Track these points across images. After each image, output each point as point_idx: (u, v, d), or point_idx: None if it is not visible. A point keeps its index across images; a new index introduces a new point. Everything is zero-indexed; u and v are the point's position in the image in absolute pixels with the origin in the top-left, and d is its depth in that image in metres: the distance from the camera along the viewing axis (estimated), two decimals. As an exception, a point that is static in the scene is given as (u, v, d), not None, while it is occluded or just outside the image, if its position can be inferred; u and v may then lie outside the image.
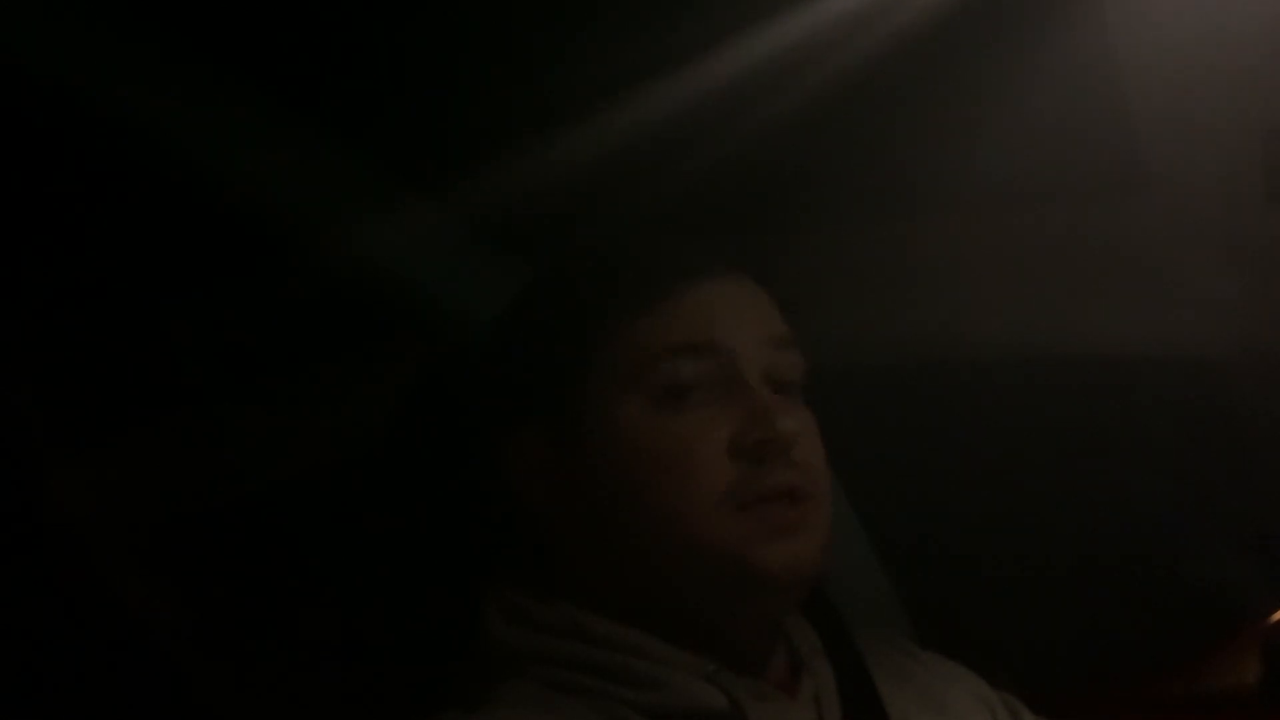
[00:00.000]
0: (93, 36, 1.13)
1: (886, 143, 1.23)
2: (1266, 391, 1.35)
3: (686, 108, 1.13)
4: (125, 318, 1.24)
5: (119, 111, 1.16)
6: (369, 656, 1.19)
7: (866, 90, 1.14)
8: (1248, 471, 1.40)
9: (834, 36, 1.10)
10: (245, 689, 1.23)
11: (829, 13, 1.11)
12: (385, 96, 1.17)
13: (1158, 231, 1.29)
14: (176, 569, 1.25)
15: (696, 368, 0.99)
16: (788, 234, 1.33)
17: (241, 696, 1.23)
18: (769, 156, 1.22)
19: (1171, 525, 1.45)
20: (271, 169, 1.21)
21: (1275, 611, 1.40)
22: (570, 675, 0.96)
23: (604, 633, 0.97)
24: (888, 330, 1.42)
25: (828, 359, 1.45)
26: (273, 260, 1.24)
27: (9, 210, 1.13)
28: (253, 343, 1.30)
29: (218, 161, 1.19)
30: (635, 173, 1.19)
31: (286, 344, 1.31)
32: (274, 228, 1.24)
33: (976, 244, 1.34)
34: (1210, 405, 1.39)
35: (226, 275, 1.22)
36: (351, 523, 1.27)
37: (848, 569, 1.50)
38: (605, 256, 1.06)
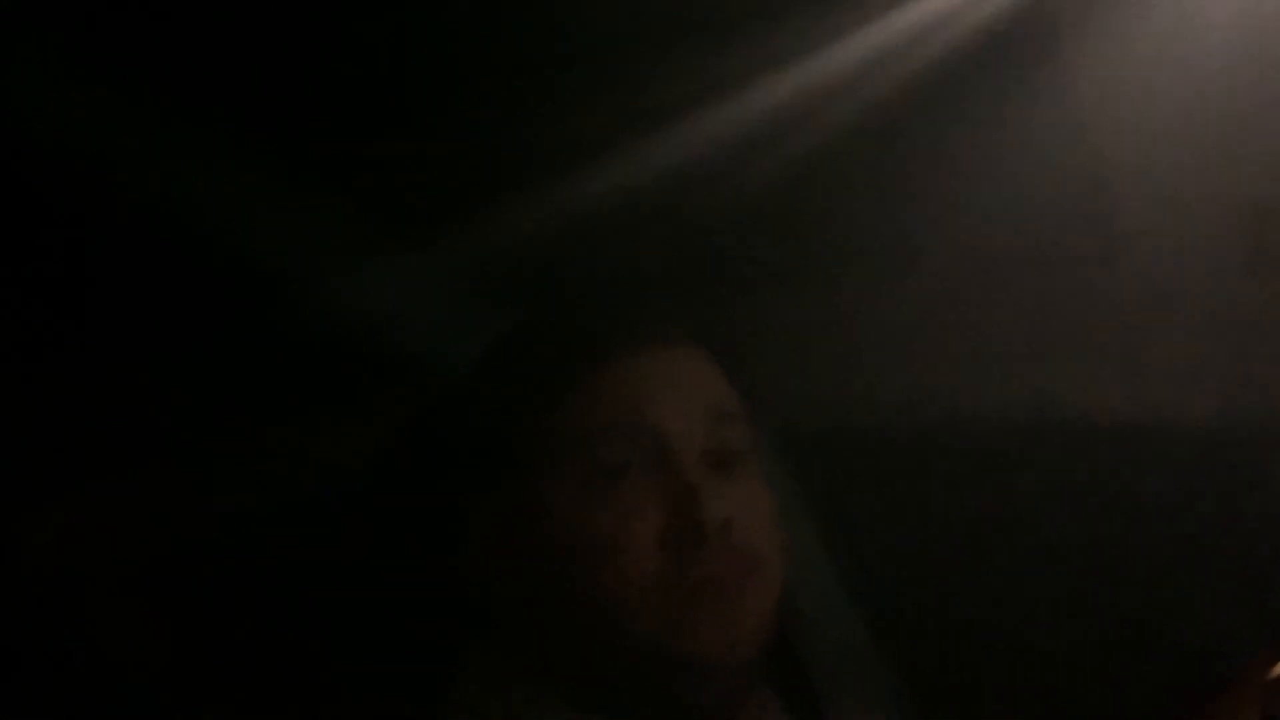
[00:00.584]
0: (79, 89, 1.13)
1: (861, 209, 1.23)
2: (1248, 458, 1.34)
3: (666, 169, 1.12)
4: (113, 365, 1.23)
5: (109, 165, 1.16)
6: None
7: (839, 157, 1.14)
8: (1233, 533, 1.39)
9: (807, 105, 1.10)
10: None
11: (801, 82, 1.11)
12: (371, 149, 1.17)
13: (1134, 300, 1.28)
14: (147, 619, 1.25)
15: (627, 448, 0.95)
16: (760, 297, 1.33)
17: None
18: (742, 221, 1.21)
19: (1156, 581, 1.43)
20: (258, 219, 1.21)
21: (1272, 666, 1.39)
22: None
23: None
24: (863, 394, 1.41)
25: (804, 422, 1.46)
26: (259, 311, 1.24)
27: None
28: (239, 394, 1.29)
29: (207, 213, 1.19)
30: (617, 230, 1.18)
31: (273, 396, 1.30)
32: (260, 279, 1.23)
33: (951, 310, 1.34)
34: (1191, 468, 1.38)
35: (212, 325, 1.22)
36: (324, 591, 1.25)
37: (831, 635, 1.49)
38: (541, 333, 1.03)
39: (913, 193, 1.20)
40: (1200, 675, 1.38)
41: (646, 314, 1.03)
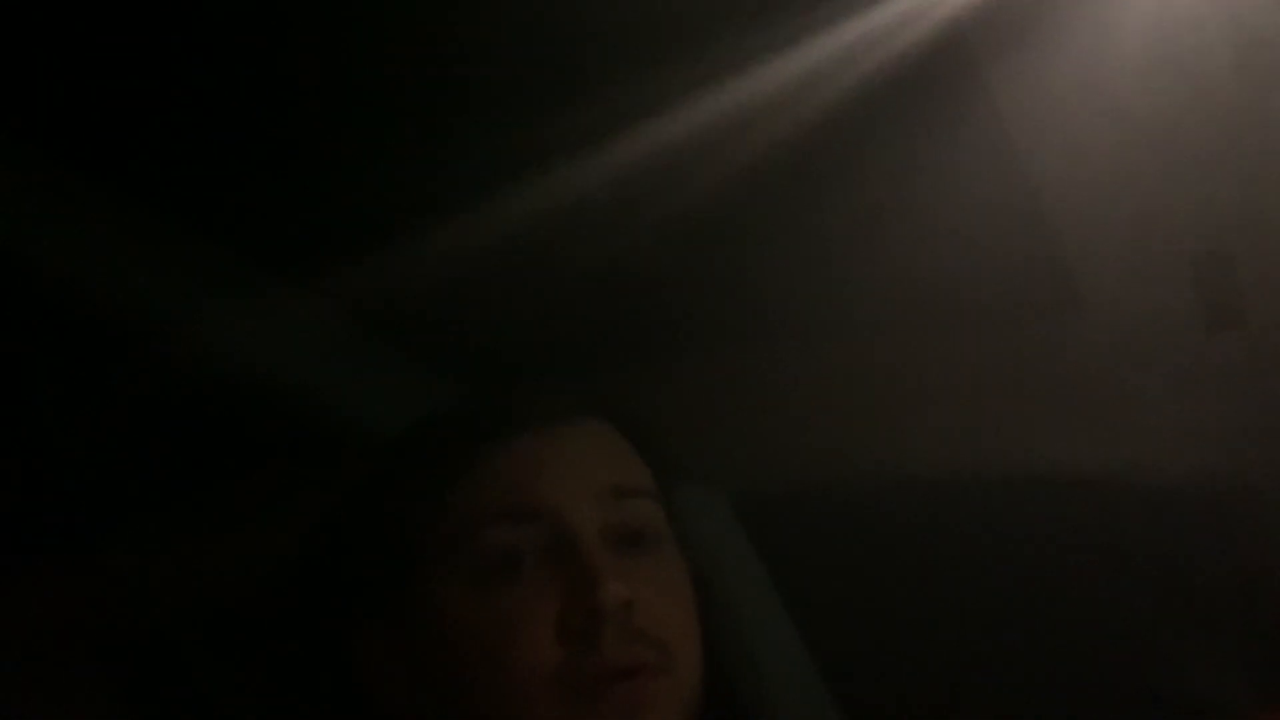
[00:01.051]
0: None
1: (786, 261, 1.19)
2: (1210, 510, 1.29)
3: (568, 205, 1.09)
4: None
5: None
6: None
7: (755, 204, 1.11)
8: (1199, 586, 1.34)
9: (716, 145, 1.06)
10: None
11: (725, 122, 1.07)
12: (253, 188, 1.12)
13: (1086, 350, 1.24)
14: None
15: (518, 534, 0.89)
16: (700, 357, 1.30)
17: None
18: (664, 278, 1.18)
19: (1123, 637, 1.40)
20: (125, 263, 1.16)
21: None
22: None
23: None
24: (807, 456, 1.37)
25: (758, 484, 1.43)
26: (138, 371, 1.20)
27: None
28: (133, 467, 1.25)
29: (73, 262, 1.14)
30: (516, 267, 1.15)
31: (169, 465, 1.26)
32: (134, 330, 1.18)
33: (905, 366, 1.30)
34: (1153, 521, 1.33)
35: (90, 389, 1.19)
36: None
37: (788, 707, 1.44)
38: (430, 423, 0.98)
39: (839, 241, 1.17)
40: None
41: (542, 388, 0.98)
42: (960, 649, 1.46)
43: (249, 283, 1.19)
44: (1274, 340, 1.22)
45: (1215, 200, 1.14)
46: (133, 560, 1.26)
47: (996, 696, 1.47)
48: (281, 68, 0.99)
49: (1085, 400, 1.29)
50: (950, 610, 1.44)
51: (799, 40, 0.97)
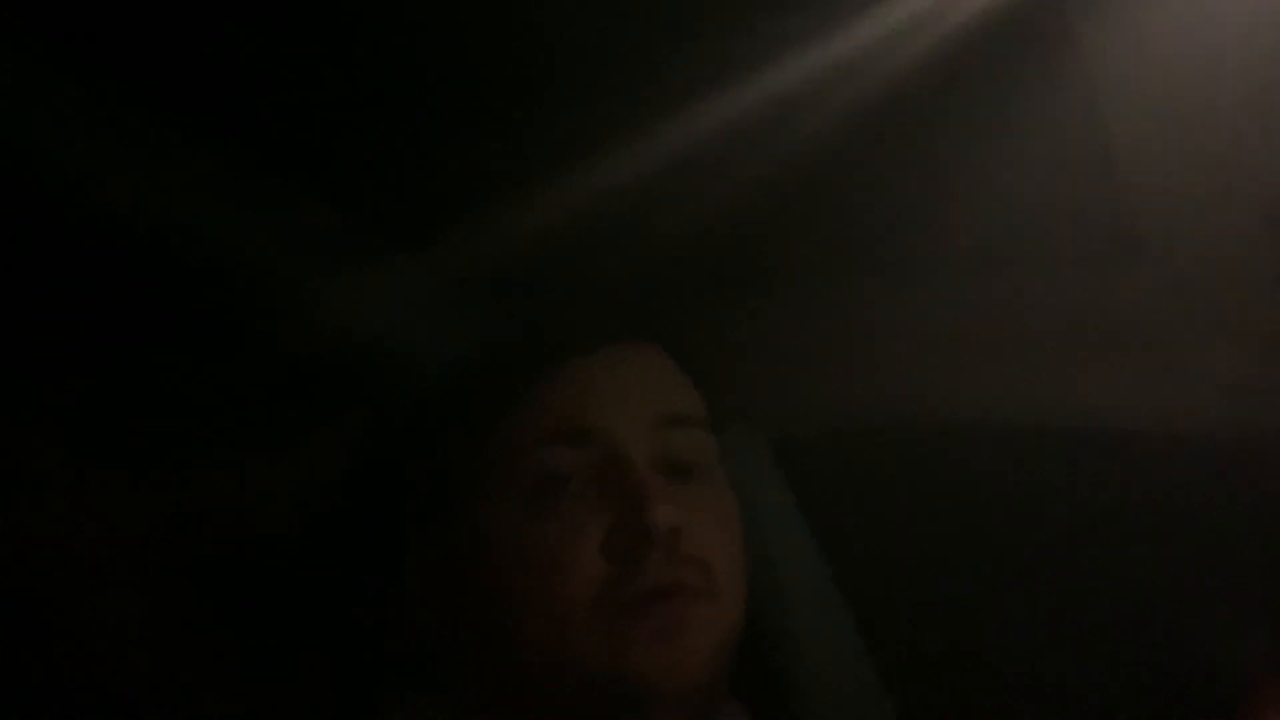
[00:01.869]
0: (61, 93, 1.07)
1: (861, 207, 1.16)
2: (1268, 470, 1.28)
3: (660, 167, 1.06)
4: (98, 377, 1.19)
5: (93, 169, 1.10)
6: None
7: (837, 153, 1.08)
8: (1255, 543, 1.32)
9: (806, 96, 1.04)
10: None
11: (799, 72, 1.04)
12: (356, 153, 1.12)
13: (1151, 304, 1.21)
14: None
15: (569, 458, 0.90)
16: (759, 299, 1.27)
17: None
18: (741, 218, 1.15)
19: (1176, 593, 1.36)
20: (239, 227, 1.16)
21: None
22: None
23: None
24: (868, 400, 1.35)
25: (800, 428, 1.41)
26: (247, 321, 1.19)
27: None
28: (229, 410, 1.25)
29: (190, 218, 1.14)
30: (609, 234, 1.12)
31: (266, 412, 1.26)
32: (245, 290, 1.18)
33: (959, 311, 1.27)
34: (1213, 476, 1.32)
35: (197, 338, 1.18)
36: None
37: (824, 658, 1.43)
38: (486, 347, 0.98)
39: (916, 190, 1.14)
40: (1223, 690, 1.34)
41: (599, 315, 0.97)
42: (996, 596, 1.45)
43: (320, 235, 1.18)
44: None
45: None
46: (198, 479, 1.25)
47: (1029, 645, 1.46)
48: (389, 37, 0.96)
49: (1140, 352, 1.26)
50: (988, 557, 1.43)
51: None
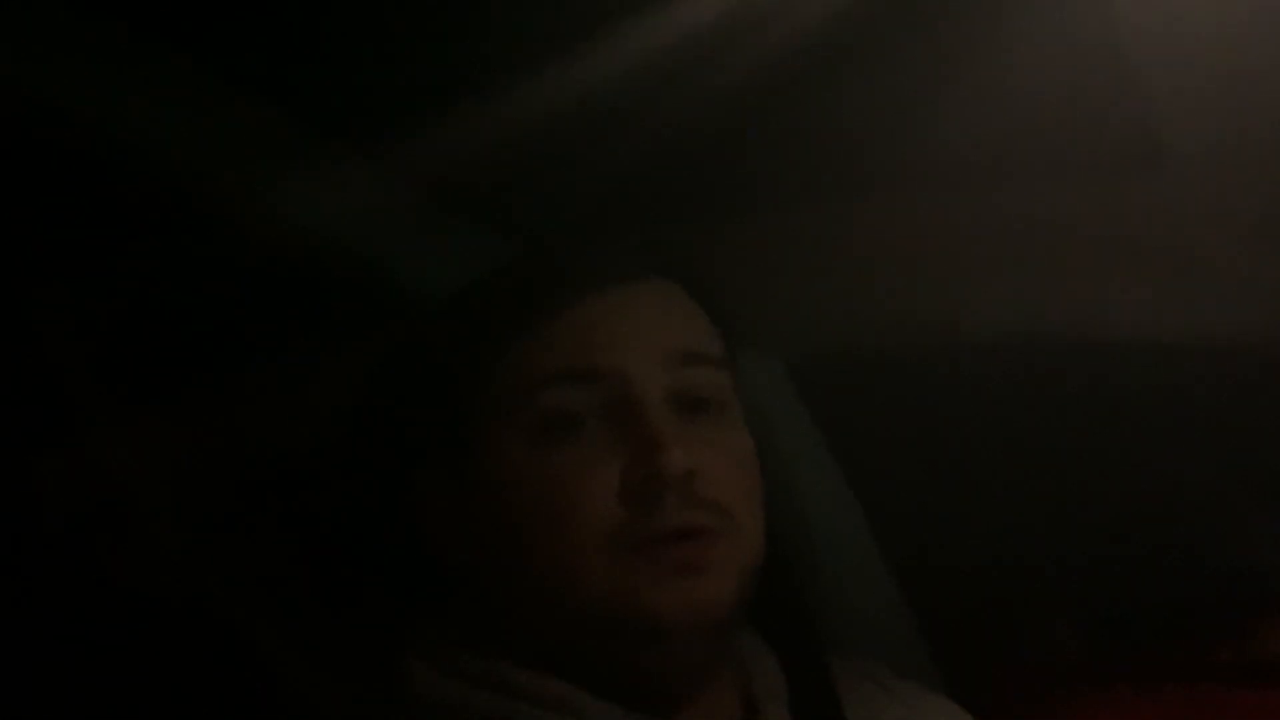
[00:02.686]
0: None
1: (861, 112, 1.13)
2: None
3: (633, 67, 1.02)
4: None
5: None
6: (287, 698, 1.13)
7: (841, 54, 1.04)
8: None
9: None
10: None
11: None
12: (313, 53, 1.08)
13: (1173, 212, 1.18)
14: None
15: (580, 396, 0.88)
16: (762, 216, 1.24)
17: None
18: (732, 126, 1.12)
19: (1204, 502, 1.35)
20: (197, 134, 1.13)
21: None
22: None
23: (527, 685, 0.89)
24: (884, 318, 1.32)
25: (817, 349, 1.38)
26: (211, 240, 1.17)
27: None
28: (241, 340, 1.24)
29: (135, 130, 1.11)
30: (583, 136, 1.09)
31: (239, 331, 1.25)
32: (205, 199, 1.16)
33: (977, 224, 1.24)
34: (1241, 386, 1.29)
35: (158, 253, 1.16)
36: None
37: (849, 579, 1.41)
38: (494, 278, 0.96)
39: (928, 99, 1.10)
40: (1248, 597, 1.31)
41: (611, 246, 0.95)
42: (1021, 514, 1.43)
43: (315, 151, 1.15)
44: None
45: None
46: (205, 414, 1.25)
47: (1056, 561, 1.44)
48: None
49: (1163, 261, 1.23)
50: (1013, 475, 1.41)
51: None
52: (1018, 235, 1.25)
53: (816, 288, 1.31)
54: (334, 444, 1.08)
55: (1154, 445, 1.34)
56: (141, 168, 1.13)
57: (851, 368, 1.38)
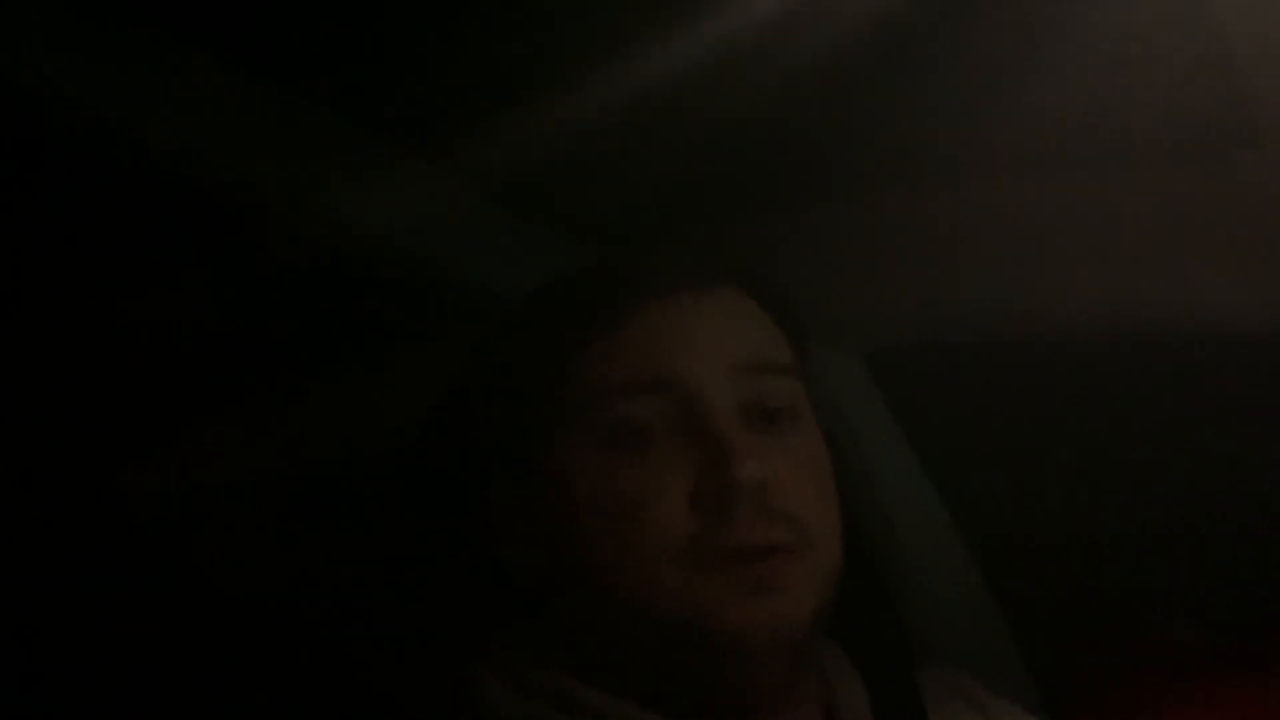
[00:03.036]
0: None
1: (948, 98, 1.09)
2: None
3: (698, 63, 0.99)
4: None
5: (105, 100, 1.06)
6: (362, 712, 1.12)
7: (919, 35, 1.01)
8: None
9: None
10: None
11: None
12: (371, 55, 1.06)
13: (1267, 196, 1.13)
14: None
15: (650, 406, 0.86)
16: (835, 208, 1.21)
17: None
18: (802, 117, 1.09)
19: None
20: (260, 142, 1.13)
21: None
22: None
23: (592, 703, 0.86)
24: (962, 309, 1.29)
25: (896, 342, 1.35)
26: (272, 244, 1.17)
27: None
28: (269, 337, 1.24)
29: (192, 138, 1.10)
30: (646, 132, 1.07)
31: (306, 338, 1.25)
32: (265, 206, 1.15)
33: (1057, 211, 1.20)
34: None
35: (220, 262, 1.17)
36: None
37: (935, 583, 1.38)
38: (560, 285, 0.95)
39: (996, 74, 1.06)
40: None
41: (678, 245, 0.93)
42: (1112, 509, 1.39)
43: (377, 156, 1.14)
44: None
45: None
46: (278, 421, 1.25)
47: (1136, 553, 1.41)
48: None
49: (1258, 245, 1.18)
50: (1101, 468, 1.38)
51: None
52: (1099, 223, 1.21)
53: (893, 280, 1.27)
54: (407, 450, 1.07)
55: (1242, 432, 1.30)
56: (210, 179, 1.13)
57: (931, 360, 1.35)
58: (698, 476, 0.85)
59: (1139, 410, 1.35)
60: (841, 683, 0.94)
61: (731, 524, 0.84)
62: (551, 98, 1.03)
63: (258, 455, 1.27)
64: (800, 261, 1.19)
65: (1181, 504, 1.38)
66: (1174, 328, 1.25)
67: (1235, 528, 1.36)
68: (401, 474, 1.10)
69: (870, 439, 1.35)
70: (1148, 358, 1.31)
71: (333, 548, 1.24)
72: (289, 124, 1.12)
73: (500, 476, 0.93)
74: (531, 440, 0.90)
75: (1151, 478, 1.39)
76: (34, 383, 1.19)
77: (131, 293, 1.22)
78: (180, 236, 1.19)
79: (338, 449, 1.27)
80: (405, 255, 1.20)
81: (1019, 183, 1.20)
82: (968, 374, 1.37)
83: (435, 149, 1.14)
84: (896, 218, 1.24)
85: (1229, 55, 1.06)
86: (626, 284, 0.91)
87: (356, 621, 1.19)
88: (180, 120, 1.09)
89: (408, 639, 1.11)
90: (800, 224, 1.23)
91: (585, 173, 1.15)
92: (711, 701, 0.87)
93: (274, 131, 1.12)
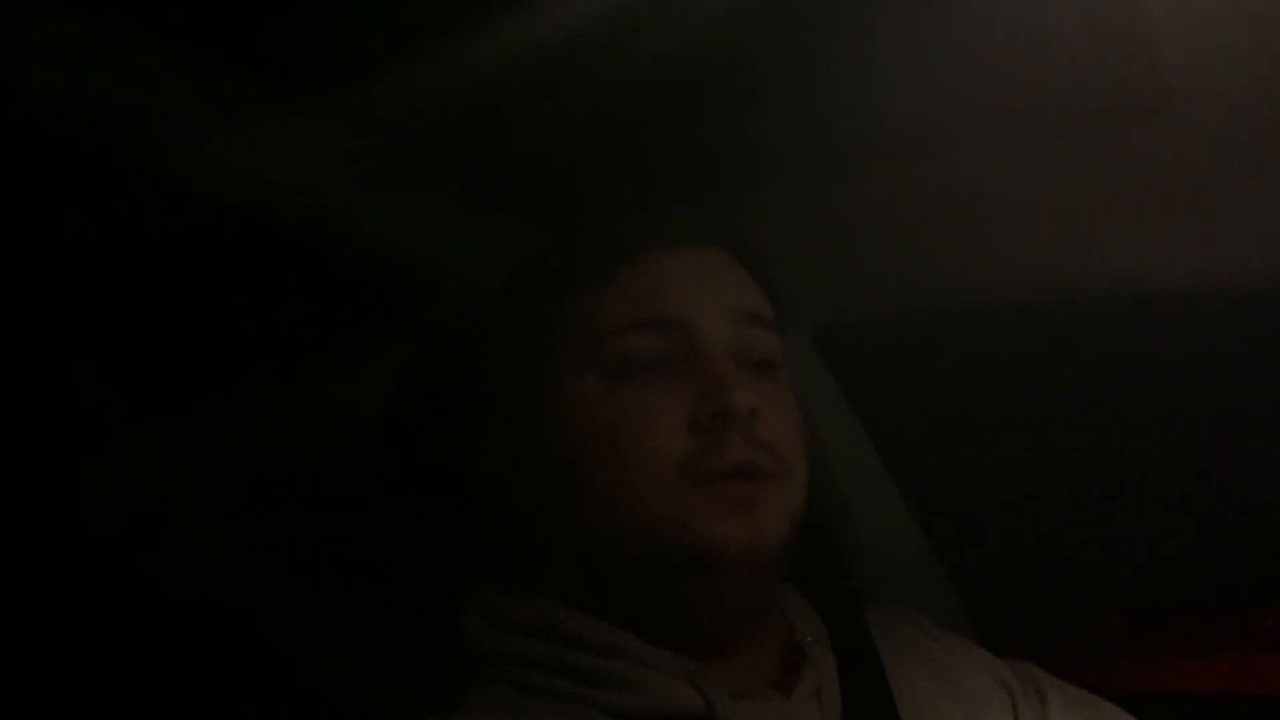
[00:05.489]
0: None
1: (882, 76, 1.13)
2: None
3: (626, 36, 1.03)
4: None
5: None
6: (350, 653, 1.17)
7: (848, 14, 1.05)
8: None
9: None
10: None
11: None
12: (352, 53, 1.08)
13: (1183, 163, 1.18)
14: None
15: (651, 343, 0.95)
16: (777, 187, 1.25)
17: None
18: (740, 99, 1.13)
19: (1229, 450, 1.39)
20: (228, 133, 1.14)
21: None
22: (543, 678, 0.92)
23: (578, 630, 0.93)
24: (904, 283, 1.33)
25: (839, 317, 1.39)
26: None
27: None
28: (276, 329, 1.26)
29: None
30: (581, 117, 1.11)
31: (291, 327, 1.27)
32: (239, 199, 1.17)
33: (992, 184, 1.25)
34: (1261, 332, 1.29)
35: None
36: (339, 514, 1.23)
37: (882, 539, 1.43)
38: (568, 237, 1.03)
39: (926, 54, 1.10)
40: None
41: (674, 213, 1.01)
42: (1044, 470, 1.44)
43: (355, 149, 1.18)
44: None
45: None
46: (255, 406, 1.27)
47: (1079, 516, 1.45)
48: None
49: (1178, 209, 1.23)
50: (1041, 434, 1.42)
51: None
52: (1034, 194, 1.26)
53: (835, 257, 1.32)
54: (393, 411, 1.10)
55: (1185, 395, 1.35)
56: (180, 172, 1.15)
57: (874, 334, 1.39)
58: (694, 403, 0.93)
59: (1076, 378, 1.39)
60: (800, 616, 1.01)
61: (722, 446, 0.92)
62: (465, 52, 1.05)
63: (226, 440, 1.29)
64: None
65: (1111, 478, 1.43)
66: (1107, 294, 1.30)
67: (1161, 506, 1.41)
68: (391, 431, 1.15)
69: (816, 408, 1.40)
70: (1082, 325, 1.35)
71: (311, 530, 1.26)
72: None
73: (498, 411, 1.00)
74: (534, 379, 0.98)
75: (1094, 445, 1.43)
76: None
77: (91, 289, 1.22)
78: (148, 229, 1.19)
79: (304, 439, 1.29)
80: (388, 246, 1.24)
81: (952, 160, 1.24)
82: (910, 348, 1.41)
83: (406, 145, 1.18)
84: (834, 196, 1.29)
85: (1149, 26, 1.11)
86: (634, 235, 1.00)
87: (337, 589, 1.21)
88: (135, 106, 1.10)
89: (393, 597, 1.14)
90: (741, 204, 1.27)
91: (531, 160, 1.18)
92: (686, 624, 0.93)
93: (244, 122, 1.15)
